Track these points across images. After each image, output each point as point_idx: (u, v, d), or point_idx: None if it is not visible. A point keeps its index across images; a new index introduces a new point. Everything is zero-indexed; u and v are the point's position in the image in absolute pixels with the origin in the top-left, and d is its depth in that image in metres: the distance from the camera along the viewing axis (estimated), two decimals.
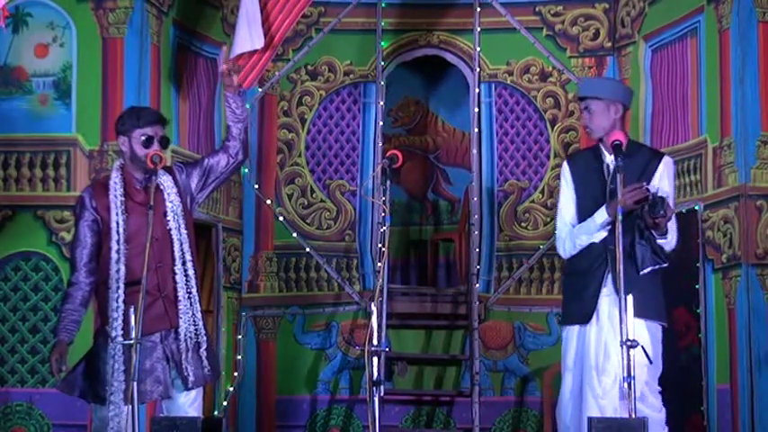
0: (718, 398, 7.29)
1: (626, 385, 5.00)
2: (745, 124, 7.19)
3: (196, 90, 8.22)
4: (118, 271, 5.49)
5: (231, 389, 8.43)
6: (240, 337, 8.62)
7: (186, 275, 5.57)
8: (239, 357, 8.58)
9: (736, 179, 7.26)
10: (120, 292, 5.45)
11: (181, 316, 5.52)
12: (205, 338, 5.57)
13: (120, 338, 5.37)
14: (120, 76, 7.53)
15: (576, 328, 5.79)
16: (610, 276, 5.66)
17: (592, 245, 5.73)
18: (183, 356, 5.51)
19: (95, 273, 5.59)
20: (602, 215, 5.67)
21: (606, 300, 5.68)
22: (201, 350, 5.54)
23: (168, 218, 5.57)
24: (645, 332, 5.63)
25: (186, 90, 8.10)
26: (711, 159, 7.50)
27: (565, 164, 6.01)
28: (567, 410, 5.76)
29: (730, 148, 7.31)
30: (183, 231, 5.60)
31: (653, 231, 5.59)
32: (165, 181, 5.62)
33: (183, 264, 5.57)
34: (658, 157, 5.87)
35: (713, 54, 7.51)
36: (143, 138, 5.57)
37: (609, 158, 5.76)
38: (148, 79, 7.62)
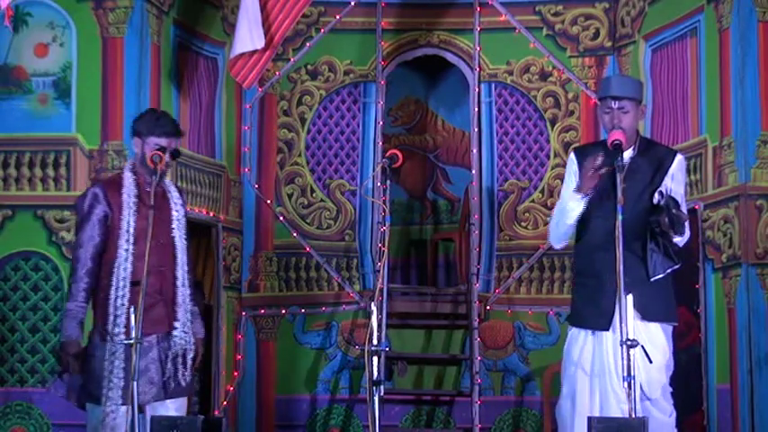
0: (718, 398, 7.28)
1: (626, 385, 5.00)
2: (745, 124, 7.18)
3: (196, 90, 8.22)
4: (125, 270, 5.53)
5: (231, 389, 8.43)
6: (240, 337, 8.62)
7: (184, 282, 5.69)
8: (239, 357, 8.57)
9: (736, 179, 7.25)
10: (126, 291, 5.52)
11: (178, 319, 5.56)
12: (192, 347, 5.65)
13: (122, 337, 5.40)
14: (120, 76, 7.53)
15: (587, 331, 5.66)
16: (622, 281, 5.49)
17: (604, 248, 5.46)
18: (173, 360, 5.58)
19: (98, 270, 5.62)
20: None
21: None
22: (189, 357, 5.63)
23: (173, 225, 5.71)
24: (661, 335, 5.61)
25: (186, 90, 8.10)
26: (711, 159, 7.49)
27: (572, 154, 5.83)
28: (567, 410, 5.72)
29: (730, 147, 7.30)
30: (184, 240, 5.74)
31: (672, 230, 5.46)
32: (173, 191, 5.79)
33: (183, 270, 5.70)
34: (671, 155, 5.75)
35: (713, 54, 7.50)
36: (156, 147, 5.62)
37: (625, 155, 5.57)
38: (148, 79, 7.62)
